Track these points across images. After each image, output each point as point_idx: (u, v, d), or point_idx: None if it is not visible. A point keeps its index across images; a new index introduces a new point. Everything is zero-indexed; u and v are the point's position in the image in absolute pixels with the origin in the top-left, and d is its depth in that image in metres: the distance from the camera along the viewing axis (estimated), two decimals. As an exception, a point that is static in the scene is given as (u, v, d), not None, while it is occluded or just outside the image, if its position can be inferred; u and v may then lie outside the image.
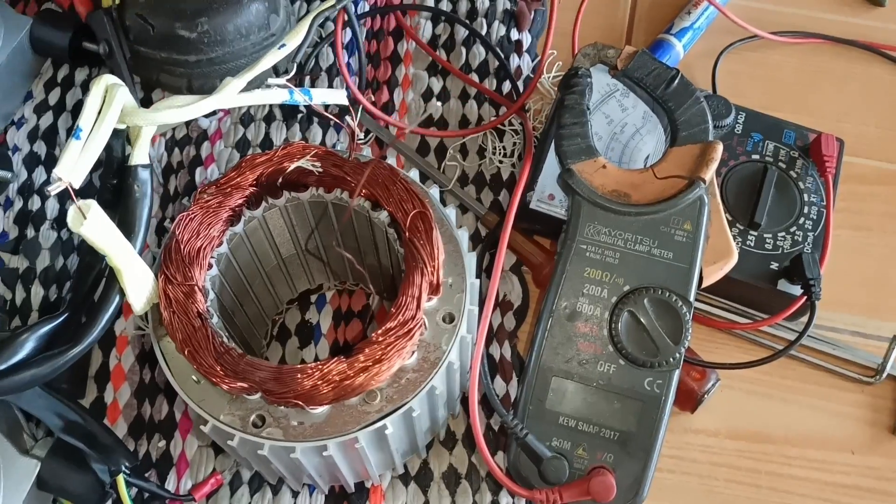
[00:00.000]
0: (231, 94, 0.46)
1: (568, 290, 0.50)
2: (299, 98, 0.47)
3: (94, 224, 0.39)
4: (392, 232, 0.47)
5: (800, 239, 0.56)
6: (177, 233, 0.45)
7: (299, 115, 0.65)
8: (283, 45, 0.50)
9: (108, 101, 0.42)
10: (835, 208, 0.57)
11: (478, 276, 0.49)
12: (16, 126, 0.64)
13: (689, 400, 0.54)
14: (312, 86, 0.66)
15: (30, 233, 0.60)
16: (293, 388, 0.41)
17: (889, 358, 0.56)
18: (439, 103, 0.66)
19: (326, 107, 0.64)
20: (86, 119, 0.41)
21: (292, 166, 0.47)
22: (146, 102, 0.65)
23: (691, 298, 0.49)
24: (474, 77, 0.67)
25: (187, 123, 0.64)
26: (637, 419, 0.48)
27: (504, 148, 0.63)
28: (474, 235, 0.61)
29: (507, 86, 0.67)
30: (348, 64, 0.67)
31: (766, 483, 0.54)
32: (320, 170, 0.48)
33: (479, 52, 0.68)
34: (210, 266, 0.46)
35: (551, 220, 0.57)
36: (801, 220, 0.57)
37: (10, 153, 0.63)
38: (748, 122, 0.60)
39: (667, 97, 0.53)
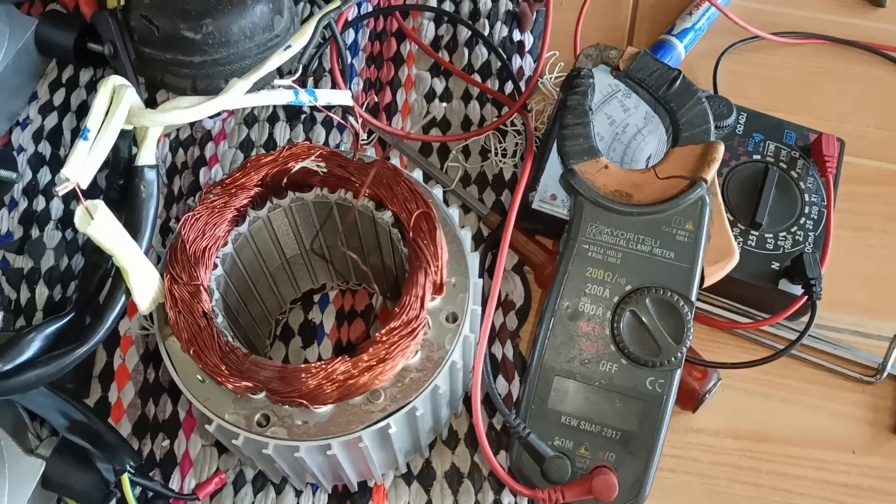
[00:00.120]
0: (237, 95, 0.46)
1: (570, 290, 0.50)
2: (304, 99, 0.48)
3: (100, 224, 0.40)
4: (396, 232, 0.48)
5: (801, 239, 0.56)
6: (182, 233, 0.45)
7: (303, 116, 0.65)
8: (289, 47, 0.50)
9: (116, 102, 0.42)
10: (835, 208, 0.57)
11: (480, 275, 0.49)
12: (21, 126, 0.65)
13: (691, 399, 0.54)
14: (316, 87, 0.67)
15: (34, 233, 0.60)
16: (298, 387, 0.42)
17: (889, 357, 0.57)
18: (442, 104, 0.66)
19: (331, 107, 0.64)
20: (93, 120, 0.41)
21: (297, 167, 0.48)
22: (150, 103, 0.65)
23: (693, 298, 0.49)
24: (477, 78, 0.67)
25: (191, 124, 0.65)
26: (639, 418, 0.49)
27: (506, 149, 0.64)
28: (477, 235, 0.61)
29: (509, 87, 0.67)
30: (351, 65, 0.68)
31: (767, 482, 0.54)
32: (325, 170, 0.48)
33: (482, 52, 0.69)
34: (215, 266, 0.46)
35: (553, 220, 0.57)
36: (802, 220, 0.57)
37: (14, 153, 0.63)
38: (749, 123, 0.60)
39: (669, 98, 0.53)
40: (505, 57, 0.68)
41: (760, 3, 0.72)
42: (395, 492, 0.53)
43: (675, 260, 0.50)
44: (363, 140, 0.64)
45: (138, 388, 0.55)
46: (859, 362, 0.57)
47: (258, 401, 0.43)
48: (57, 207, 0.61)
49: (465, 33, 0.69)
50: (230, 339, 0.43)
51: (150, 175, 0.45)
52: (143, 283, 0.43)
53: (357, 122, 0.55)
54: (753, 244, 0.56)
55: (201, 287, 0.44)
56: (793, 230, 0.57)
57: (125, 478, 0.48)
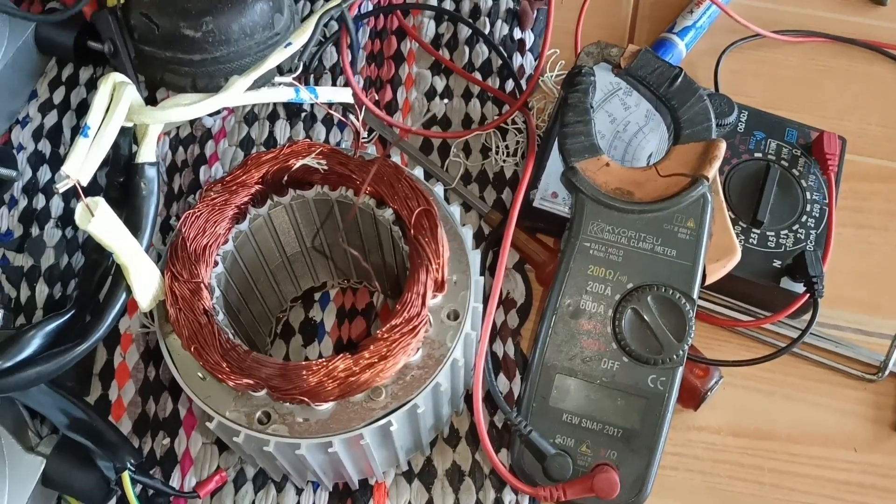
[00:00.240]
0: (237, 93, 0.46)
1: (571, 288, 0.50)
2: (305, 96, 0.47)
3: (101, 221, 0.39)
4: (397, 230, 0.48)
5: (802, 237, 0.56)
6: (183, 230, 0.45)
7: (303, 114, 0.65)
8: (290, 44, 0.50)
9: (116, 99, 0.42)
10: (837, 206, 0.57)
11: (481, 273, 0.49)
12: (20, 125, 0.65)
13: (693, 397, 0.54)
14: (316, 84, 0.67)
15: (34, 231, 0.60)
16: (299, 384, 0.41)
17: (891, 355, 0.56)
18: (443, 102, 0.66)
19: (331, 105, 0.64)
20: (94, 117, 0.41)
21: (298, 164, 0.47)
22: (150, 101, 0.65)
23: (695, 296, 0.49)
24: (477, 76, 0.67)
25: (192, 122, 0.65)
26: (641, 416, 0.49)
27: (507, 146, 0.64)
28: (477, 234, 0.61)
29: (509, 85, 0.67)
30: (353, 62, 0.68)
31: (769, 480, 0.54)
32: (326, 168, 0.48)
33: (483, 50, 0.68)
34: (216, 263, 0.46)
35: (554, 217, 0.57)
36: (804, 218, 0.57)
37: (14, 152, 0.63)
38: (750, 121, 0.60)
39: (670, 95, 0.53)
40: (505, 55, 0.68)
41: (761, 1, 0.72)
42: (396, 490, 0.53)
43: (676, 258, 0.50)
44: (364, 138, 0.63)
45: (139, 386, 0.55)
46: (861, 360, 0.57)
47: (259, 398, 0.42)
48: (57, 205, 0.61)
49: (465, 31, 0.69)
50: (231, 336, 0.43)
51: (151, 172, 0.45)
52: (144, 280, 0.43)
53: (358, 120, 0.55)
54: (755, 242, 0.56)
55: (202, 284, 0.44)
56: (794, 228, 0.57)
57: (126, 476, 0.48)
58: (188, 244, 0.45)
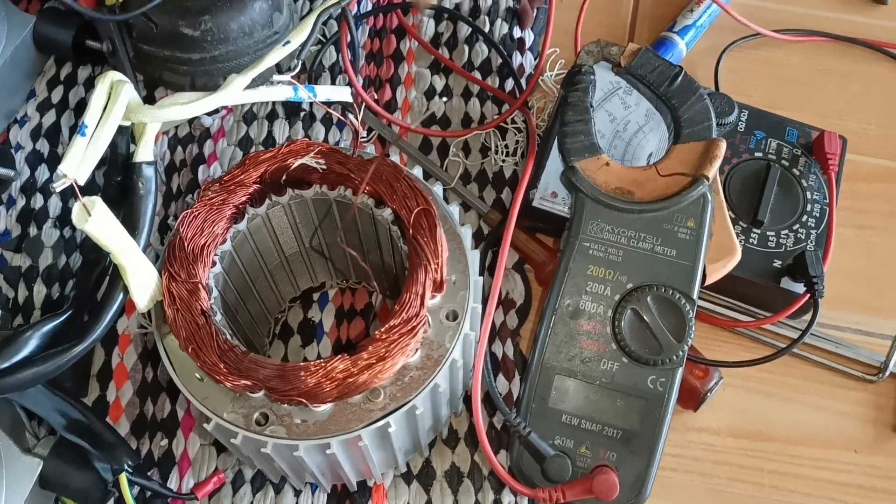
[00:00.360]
0: (236, 91, 0.46)
1: (571, 288, 0.50)
2: (304, 95, 0.47)
3: (98, 221, 0.39)
4: (395, 229, 0.47)
5: (803, 237, 0.56)
6: (181, 230, 0.45)
7: (302, 113, 0.65)
8: (288, 42, 0.50)
9: (114, 98, 0.42)
10: (837, 206, 0.57)
11: (480, 274, 0.49)
12: (18, 124, 0.64)
13: (692, 398, 0.54)
14: (315, 83, 0.66)
15: (32, 231, 0.60)
16: (297, 385, 0.41)
17: (892, 356, 0.56)
18: (442, 101, 0.66)
19: (330, 104, 0.64)
20: (91, 115, 0.41)
21: (296, 163, 0.47)
22: (149, 100, 0.65)
23: (695, 296, 0.49)
24: (477, 75, 0.67)
25: (190, 122, 0.64)
26: (640, 417, 0.48)
27: (507, 146, 0.63)
28: (476, 234, 0.60)
29: (509, 84, 0.67)
30: (353, 60, 0.67)
31: (769, 482, 0.54)
32: (324, 167, 0.48)
33: (482, 49, 0.68)
34: (214, 263, 0.46)
35: (554, 217, 0.57)
36: (804, 218, 0.57)
37: (12, 151, 0.63)
38: (751, 120, 0.60)
39: (670, 94, 0.53)
40: (506, 54, 0.67)
41: (762, 0, 0.72)
42: (395, 491, 0.52)
43: (676, 258, 0.50)
44: (362, 137, 0.63)
45: (136, 387, 0.55)
46: (861, 361, 0.57)
47: (257, 399, 0.42)
48: (55, 205, 0.61)
49: (465, 30, 0.69)
50: (229, 337, 0.43)
51: (149, 172, 0.45)
52: (142, 280, 0.43)
53: (357, 119, 0.55)
54: (755, 242, 0.56)
55: (200, 285, 0.44)
56: (795, 228, 0.56)
57: (123, 477, 0.47)
58: (186, 244, 0.45)
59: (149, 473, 0.53)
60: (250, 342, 0.53)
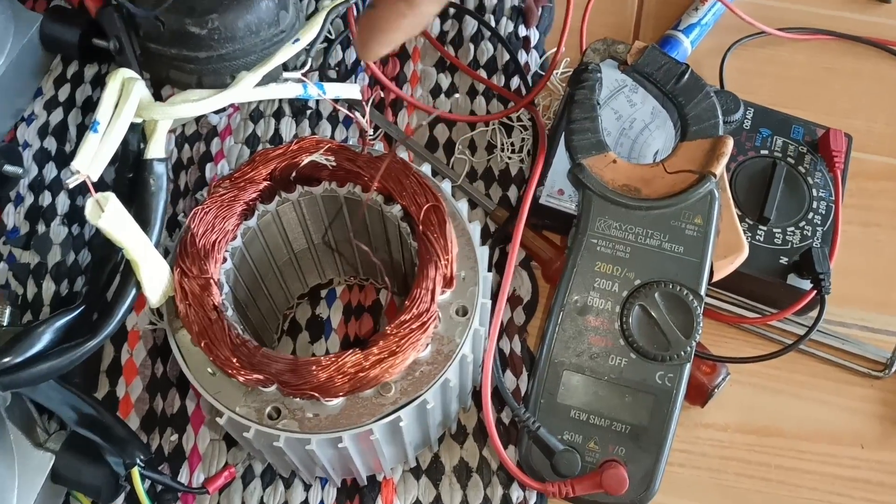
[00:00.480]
0: (246, 89, 0.46)
1: (579, 285, 0.50)
2: (313, 92, 0.47)
3: (112, 217, 0.39)
4: (405, 226, 0.48)
5: (809, 234, 0.56)
6: (192, 226, 0.45)
7: (308, 112, 0.65)
8: (297, 40, 0.50)
9: (125, 95, 0.42)
10: (843, 203, 0.57)
11: (488, 270, 0.49)
12: (26, 122, 0.65)
13: (700, 394, 0.54)
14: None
15: (41, 228, 0.60)
16: (309, 379, 0.41)
17: (898, 352, 0.57)
18: (448, 99, 0.66)
19: (337, 102, 0.64)
20: (103, 112, 0.41)
21: (306, 160, 0.47)
22: (156, 99, 0.65)
23: (702, 292, 0.49)
24: (482, 73, 0.67)
25: (197, 120, 0.65)
26: (649, 413, 0.49)
27: (513, 144, 0.64)
28: (483, 231, 0.61)
29: (514, 82, 0.67)
30: (356, 60, 0.68)
31: (776, 477, 0.54)
32: (334, 164, 0.48)
33: (488, 48, 0.68)
34: (224, 260, 0.46)
35: (561, 214, 0.57)
36: (810, 215, 0.57)
37: (20, 149, 0.63)
38: (757, 118, 0.60)
39: (677, 92, 0.53)
40: (512, 51, 0.68)
41: (766, -2, 0.73)
42: (404, 486, 0.53)
43: (684, 254, 0.50)
44: (369, 136, 0.63)
45: (146, 383, 0.55)
46: (868, 357, 0.57)
47: (269, 393, 0.43)
48: (63, 203, 0.61)
49: (470, 28, 0.69)
50: (241, 332, 0.43)
51: (160, 168, 0.45)
52: (154, 276, 0.43)
53: (364, 119, 0.55)
54: (762, 239, 0.56)
55: (211, 280, 0.44)
56: (801, 225, 0.57)
57: (135, 471, 0.48)
58: (197, 240, 0.45)
59: (159, 469, 0.53)
60: (259, 338, 0.54)
